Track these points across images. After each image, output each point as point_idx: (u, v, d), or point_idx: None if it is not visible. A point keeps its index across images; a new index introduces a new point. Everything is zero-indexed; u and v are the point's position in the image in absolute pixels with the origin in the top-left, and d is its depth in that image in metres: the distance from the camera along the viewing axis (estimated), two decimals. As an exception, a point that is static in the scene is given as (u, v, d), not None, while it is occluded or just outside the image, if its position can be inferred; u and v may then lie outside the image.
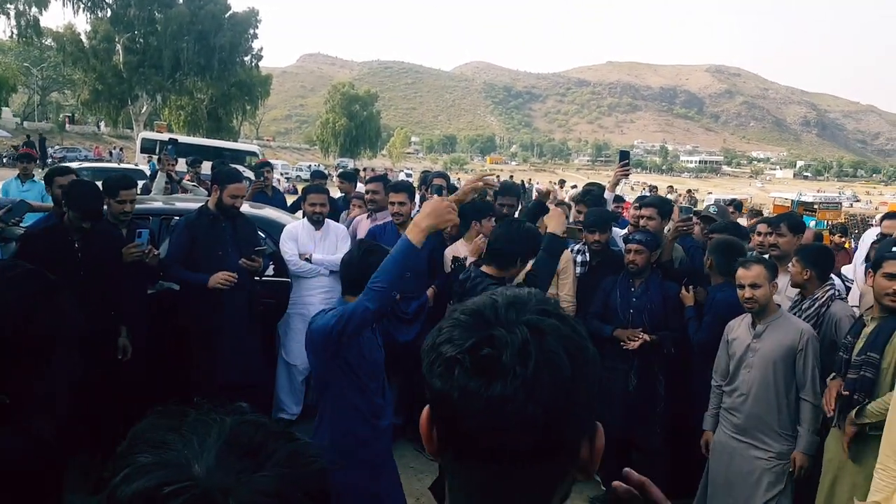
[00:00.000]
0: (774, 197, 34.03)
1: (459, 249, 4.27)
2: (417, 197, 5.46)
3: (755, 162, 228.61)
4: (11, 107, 52.26)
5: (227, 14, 44.76)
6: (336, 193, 7.25)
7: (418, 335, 4.27)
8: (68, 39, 41.26)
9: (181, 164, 9.05)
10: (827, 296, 3.44)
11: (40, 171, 8.78)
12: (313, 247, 4.61)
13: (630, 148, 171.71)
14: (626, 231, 4.73)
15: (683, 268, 4.23)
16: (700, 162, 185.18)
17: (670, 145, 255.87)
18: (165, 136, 24.54)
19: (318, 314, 2.59)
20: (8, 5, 37.72)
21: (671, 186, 25.25)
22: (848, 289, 4.42)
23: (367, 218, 5.25)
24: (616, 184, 5.09)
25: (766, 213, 11.59)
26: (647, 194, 10.86)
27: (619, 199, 6.83)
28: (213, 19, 43.01)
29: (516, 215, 4.71)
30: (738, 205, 10.60)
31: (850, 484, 2.80)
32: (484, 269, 3.04)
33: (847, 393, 2.81)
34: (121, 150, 40.67)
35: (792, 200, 26.40)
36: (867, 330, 2.90)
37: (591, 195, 5.24)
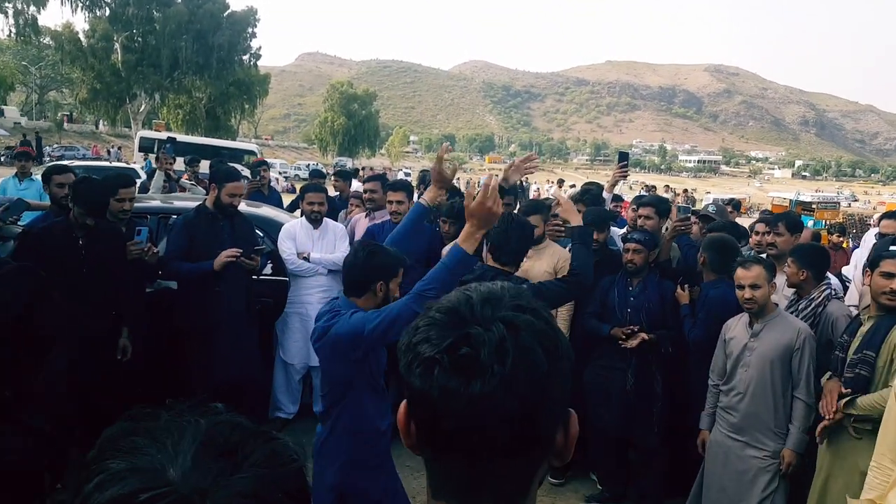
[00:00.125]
0: (773, 197, 34.12)
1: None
2: (416, 196, 5.46)
3: (753, 161, 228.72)
4: (9, 105, 52.14)
5: (226, 13, 44.63)
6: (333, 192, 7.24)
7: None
8: (66, 38, 41.11)
9: (179, 163, 9.05)
10: (823, 296, 3.44)
11: (38, 169, 8.78)
12: (311, 246, 4.61)
13: (629, 147, 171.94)
14: (624, 230, 4.75)
15: (680, 267, 4.25)
16: (699, 161, 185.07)
17: (669, 145, 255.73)
18: (164, 135, 24.54)
19: (323, 316, 2.57)
20: (6, 4, 37.55)
21: (668, 186, 25.26)
22: (845, 288, 4.44)
23: (366, 217, 5.26)
24: (614, 184, 5.15)
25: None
26: (645, 194, 10.87)
27: (617, 199, 6.85)
28: (211, 18, 42.89)
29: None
30: (736, 204, 10.60)
31: (843, 482, 2.81)
32: (490, 262, 3.08)
33: (848, 391, 2.81)
34: (119, 148, 40.53)
35: (790, 200, 26.47)
36: (863, 328, 2.90)
37: (590, 194, 5.25)
